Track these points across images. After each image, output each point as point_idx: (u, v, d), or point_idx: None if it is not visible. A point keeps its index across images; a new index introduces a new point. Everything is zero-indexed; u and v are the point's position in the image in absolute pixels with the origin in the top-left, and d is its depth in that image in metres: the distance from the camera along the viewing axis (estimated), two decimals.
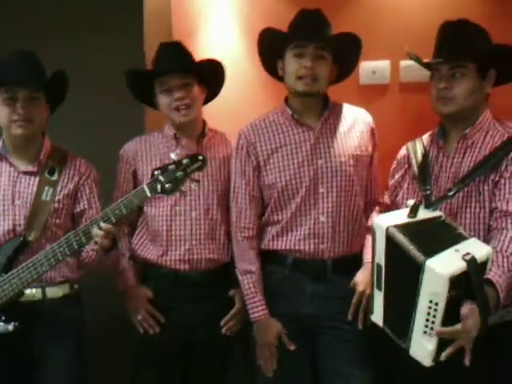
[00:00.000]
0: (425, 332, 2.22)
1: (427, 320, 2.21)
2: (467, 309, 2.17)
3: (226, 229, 2.93)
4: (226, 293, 2.93)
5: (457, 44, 2.51)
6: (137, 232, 2.99)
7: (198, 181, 2.60)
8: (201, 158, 2.49)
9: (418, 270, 2.21)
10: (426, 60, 2.64)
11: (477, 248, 2.25)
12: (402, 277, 2.31)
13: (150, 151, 2.96)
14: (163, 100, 2.88)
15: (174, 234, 2.88)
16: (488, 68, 2.53)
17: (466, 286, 2.17)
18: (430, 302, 2.19)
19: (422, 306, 2.22)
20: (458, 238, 2.30)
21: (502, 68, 2.55)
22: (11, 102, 2.68)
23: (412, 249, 2.25)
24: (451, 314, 2.18)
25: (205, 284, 2.90)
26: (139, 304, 2.91)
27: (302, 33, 2.71)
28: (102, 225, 2.49)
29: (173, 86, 2.84)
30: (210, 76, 2.95)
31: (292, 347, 2.72)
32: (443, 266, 2.17)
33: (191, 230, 2.88)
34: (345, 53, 2.75)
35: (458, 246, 2.23)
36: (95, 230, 2.49)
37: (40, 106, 2.74)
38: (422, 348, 2.25)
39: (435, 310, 2.19)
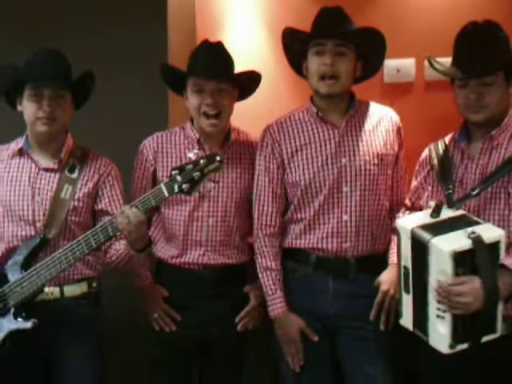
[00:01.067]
0: (437, 316, 2.24)
1: (438, 302, 2.23)
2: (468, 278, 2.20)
3: (241, 235, 2.91)
4: (241, 290, 2.92)
5: (482, 57, 2.44)
6: (152, 230, 2.96)
7: (217, 182, 2.57)
8: (218, 158, 2.45)
9: (426, 250, 2.23)
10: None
11: (487, 230, 2.25)
12: (423, 270, 2.30)
13: (171, 152, 2.91)
14: (193, 101, 2.82)
15: (190, 238, 2.87)
16: None
17: (474, 265, 2.19)
18: (438, 281, 2.21)
19: (432, 289, 2.24)
20: (471, 223, 2.30)
21: None
22: (37, 98, 2.68)
23: (423, 233, 2.27)
24: None
25: (220, 281, 2.88)
26: (155, 303, 2.91)
27: (320, 31, 2.69)
28: (133, 209, 2.47)
29: (207, 89, 2.78)
30: (246, 85, 2.90)
31: (316, 338, 2.72)
32: (447, 243, 2.19)
33: (207, 236, 2.86)
34: (368, 49, 2.72)
35: (468, 229, 2.23)
36: (119, 219, 2.48)
37: (65, 104, 2.74)
38: (438, 333, 2.26)
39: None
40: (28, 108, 2.71)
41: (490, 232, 2.24)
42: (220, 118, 2.81)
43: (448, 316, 2.22)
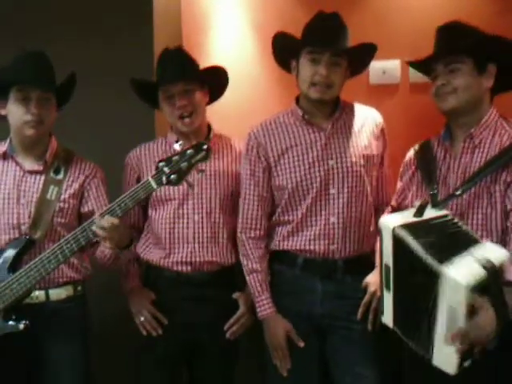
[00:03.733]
0: (448, 340, 2.17)
1: (448, 328, 2.17)
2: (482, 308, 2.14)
3: (228, 232, 2.91)
4: (230, 295, 2.91)
5: (449, 40, 2.51)
6: (142, 236, 2.98)
7: (202, 171, 2.58)
8: (205, 147, 2.47)
9: (434, 276, 2.17)
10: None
11: (492, 252, 2.21)
12: (412, 278, 2.28)
13: (152, 158, 2.93)
14: (166, 107, 2.87)
15: (177, 236, 2.87)
16: (486, 63, 2.50)
17: (485, 291, 2.14)
18: (451, 309, 2.16)
19: (442, 315, 2.19)
20: (471, 241, 2.27)
21: (503, 64, 2.52)
22: (24, 102, 2.67)
23: (423, 252, 2.21)
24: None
25: (207, 285, 2.87)
26: (142, 306, 2.89)
27: (319, 40, 2.69)
28: (106, 217, 2.48)
29: (175, 93, 2.82)
30: (214, 81, 2.93)
31: (301, 344, 2.72)
32: (463, 274, 2.12)
33: (194, 233, 2.86)
34: (359, 57, 2.75)
35: (473, 251, 2.20)
36: (98, 221, 2.49)
37: (51, 106, 2.74)
38: (446, 356, 2.20)
39: (456, 318, 2.15)
40: (15, 112, 2.69)
41: (496, 254, 2.20)
42: (193, 116, 2.84)
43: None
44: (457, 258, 2.18)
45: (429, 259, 2.19)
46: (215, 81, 2.94)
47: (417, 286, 2.26)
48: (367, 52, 2.75)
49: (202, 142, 2.49)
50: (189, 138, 2.87)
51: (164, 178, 2.47)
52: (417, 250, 2.23)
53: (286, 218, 2.77)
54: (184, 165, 2.45)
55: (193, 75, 2.87)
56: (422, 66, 2.65)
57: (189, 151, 2.46)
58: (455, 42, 2.48)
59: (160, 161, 2.48)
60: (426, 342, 2.26)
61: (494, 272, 2.14)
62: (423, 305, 2.22)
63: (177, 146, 2.50)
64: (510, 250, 2.29)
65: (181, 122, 2.84)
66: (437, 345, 2.23)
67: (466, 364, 2.20)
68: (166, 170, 2.46)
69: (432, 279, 2.18)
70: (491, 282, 2.14)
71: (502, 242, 2.38)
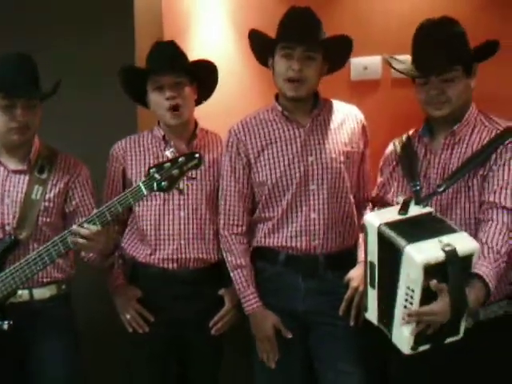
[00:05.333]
0: (403, 318, 2.24)
1: (405, 307, 2.24)
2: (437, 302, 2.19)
3: (214, 228, 2.91)
4: (216, 292, 2.92)
5: (443, 52, 2.46)
6: (126, 231, 2.98)
7: (194, 178, 2.60)
8: (197, 155, 2.50)
9: (399, 255, 2.23)
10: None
11: (461, 241, 2.24)
12: (393, 272, 2.31)
13: (139, 151, 2.94)
14: (154, 98, 2.85)
15: (163, 233, 2.87)
16: (472, 65, 2.52)
17: (445, 276, 2.18)
18: (408, 288, 2.22)
19: (400, 293, 2.25)
20: (445, 230, 2.30)
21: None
22: (9, 108, 2.64)
23: (397, 237, 2.26)
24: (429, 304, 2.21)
25: (193, 282, 2.88)
26: (128, 303, 2.90)
27: (290, 35, 2.69)
28: (86, 225, 2.49)
29: (165, 84, 2.81)
30: (203, 77, 2.93)
31: (289, 335, 2.73)
32: (421, 253, 2.18)
33: (179, 229, 2.87)
34: (335, 51, 2.73)
35: (442, 237, 2.23)
36: (79, 229, 2.49)
37: (37, 112, 2.72)
38: (401, 334, 2.28)
39: (411, 297, 2.21)
40: (0, 117, 2.66)
41: (464, 244, 2.23)
42: (181, 109, 2.83)
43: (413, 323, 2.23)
44: (423, 241, 2.22)
45: (397, 239, 2.24)
46: (205, 75, 2.93)
47: (394, 277, 2.29)
48: (342, 45, 2.73)
49: (194, 152, 2.52)
50: (175, 133, 2.90)
51: (155, 185, 2.48)
52: (395, 240, 2.27)
53: (267, 214, 2.78)
54: (175, 172, 2.47)
55: (183, 67, 2.87)
56: (408, 73, 2.60)
57: (180, 159, 2.48)
58: (452, 55, 2.45)
59: (151, 167, 2.49)
60: (388, 319, 2.32)
61: (453, 258, 2.17)
62: (393, 286, 2.28)
63: (168, 153, 2.52)
64: (478, 240, 2.31)
65: (169, 113, 2.82)
66: (395, 322, 2.30)
67: (423, 349, 2.26)
68: (157, 176, 2.47)
69: (397, 257, 2.23)
70: (451, 269, 2.17)
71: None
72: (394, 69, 2.66)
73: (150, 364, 2.90)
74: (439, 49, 2.46)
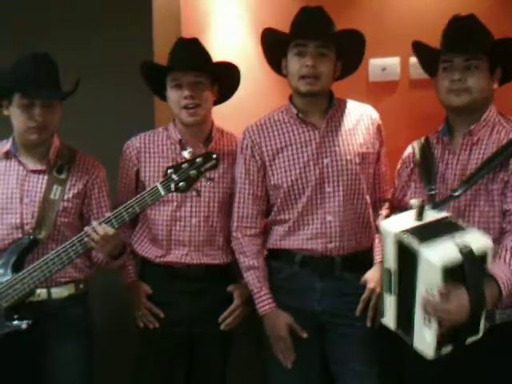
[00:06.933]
0: (424, 322, 2.23)
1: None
2: (455, 293, 2.17)
3: (224, 235, 2.91)
4: (225, 288, 2.93)
5: (474, 36, 2.47)
6: (137, 229, 2.99)
7: (212, 179, 2.60)
8: (214, 156, 2.50)
9: (416, 259, 2.21)
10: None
11: (475, 240, 2.23)
12: (411, 277, 2.29)
13: (153, 152, 2.93)
14: (173, 95, 2.84)
15: (173, 238, 2.88)
16: (496, 65, 2.50)
17: (463, 276, 2.17)
18: (427, 291, 2.20)
19: (419, 297, 2.23)
20: (459, 230, 2.28)
21: (505, 67, 2.54)
22: (28, 107, 2.64)
23: (414, 243, 2.24)
24: None
25: (203, 279, 2.89)
26: (138, 300, 2.92)
27: (302, 32, 2.69)
28: (103, 225, 2.51)
29: (184, 82, 2.80)
30: (225, 79, 2.91)
31: (304, 335, 2.72)
32: (438, 255, 2.17)
33: (190, 236, 2.87)
34: (349, 49, 2.72)
35: (457, 238, 2.21)
36: (97, 228, 2.51)
37: (56, 110, 2.72)
38: (423, 339, 2.26)
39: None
40: (18, 116, 2.67)
41: (478, 242, 2.21)
42: (199, 109, 2.82)
43: (434, 323, 2.21)
44: (439, 243, 2.20)
45: (414, 245, 2.22)
46: (227, 78, 2.91)
47: (413, 283, 2.27)
48: (355, 41, 2.71)
49: (211, 152, 2.52)
50: (191, 134, 2.89)
51: (172, 185, 2.48)
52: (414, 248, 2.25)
53: (283, 216, 2.77)
54: (193, 172, 2.47)
55: (205, 66, 2.85)
56: (431, 54, 2.58)
57: (198, 159, 2.48)
58: (480, 40, 2.46)
59: (168, 167, 2.49)
60: (408, 325, 2.30)
61: (471, 258, 2.15)
62: (411, 291, 2.26)
63: (186, 154, 2.51)
64: (503, 249, 2.30)
65: (185, 111, 2.81)
66: (416, 327, 2.27)
67: (445, 350, 2.24)
68: (175, 177, 2.47)
69: (414, 262, 2.21)
70: (468, 270, 2.15)
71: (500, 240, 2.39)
72: (420, 48, 2.62)
73: (159, 360, 2.92)
74: (470, 34, 2.47)
